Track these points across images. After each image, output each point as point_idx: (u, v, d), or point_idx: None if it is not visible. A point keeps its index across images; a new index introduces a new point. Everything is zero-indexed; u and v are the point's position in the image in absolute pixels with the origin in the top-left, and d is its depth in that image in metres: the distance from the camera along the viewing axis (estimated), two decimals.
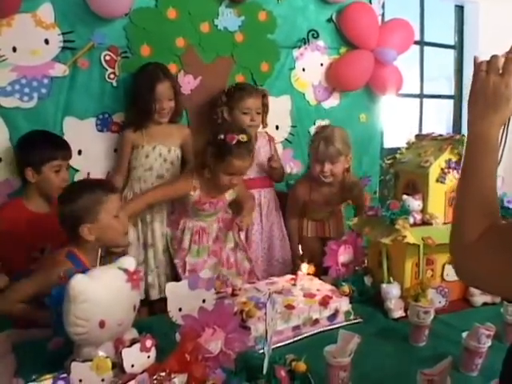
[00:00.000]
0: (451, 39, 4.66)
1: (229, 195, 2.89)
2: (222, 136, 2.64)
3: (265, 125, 3.29)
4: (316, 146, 2.89)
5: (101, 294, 1.47)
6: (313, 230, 3.24)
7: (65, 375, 1.31)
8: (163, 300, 1.73)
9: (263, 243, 3.20)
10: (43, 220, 2.52)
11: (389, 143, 4.10)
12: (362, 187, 3.13)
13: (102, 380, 1.36)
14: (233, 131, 2.66)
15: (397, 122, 4.22)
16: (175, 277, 2.84)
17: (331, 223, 3.23)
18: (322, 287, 2.13)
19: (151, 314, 2.75)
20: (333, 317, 1.99)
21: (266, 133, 3.32)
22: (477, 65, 1.27)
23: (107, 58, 2.90)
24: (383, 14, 3.82)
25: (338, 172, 2.91)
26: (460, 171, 1.24)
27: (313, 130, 3.58)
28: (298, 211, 3.17)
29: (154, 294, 2.89)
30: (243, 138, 2.65)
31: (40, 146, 2.57)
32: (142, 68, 2.89)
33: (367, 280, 2.26)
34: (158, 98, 2.83)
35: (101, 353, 1.46)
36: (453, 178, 2.19)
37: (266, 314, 1.50)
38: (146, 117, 2.87)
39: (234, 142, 2.62)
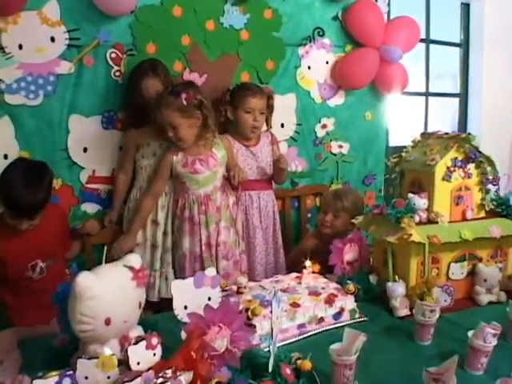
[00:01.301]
0: (457, 37, 4.65)
1: (217, 151, 2.88)
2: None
3: (269, 126, 3.28)
4: (324, 197, 2.99)
5: (106, 291, 1.47)
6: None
7: (71, 372, 1.31)
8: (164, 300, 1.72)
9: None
10: (27, 236, 2.50)
11: (394, 141, 4.09)
12: None
13: (108, 377, 1.37)
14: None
15: (402, 120, 4.21)
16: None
17: None
18: (327, 285, 2.13)
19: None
20: (338, 315, 2.00)
21: (270, 132, 3.31)
22: None
23: (113, 55, 2.90)
24: (389, 12, 3.81)
25: (338, 226, 2.87)
26: None
27: (318, 128, 3.59)
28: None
29: (153, 296, 2.88)
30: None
31: (7, 188, 2.39)
32: (136, 65, 2.88)
33: (372, 278, 2.26)
34: (146, 94, 2.81)
35: (107, 350, 1.47)
36: (458, 176, 2.19)
37: (271, 312, 1.51)
38: (141, 114, 2.87)
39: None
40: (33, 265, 2.52)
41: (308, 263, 2.23)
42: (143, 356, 1.41)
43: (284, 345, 1.78)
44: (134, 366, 1.39)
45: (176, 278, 2.79)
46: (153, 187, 2.86)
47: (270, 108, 3.22)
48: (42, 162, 2.58)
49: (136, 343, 1.42)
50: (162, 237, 2.91)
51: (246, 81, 3.28)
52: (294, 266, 2.57)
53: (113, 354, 1.41)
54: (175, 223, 2.91)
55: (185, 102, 2.70)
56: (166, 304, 1.69)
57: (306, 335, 1.90)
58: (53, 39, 2.74)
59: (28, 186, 2.40)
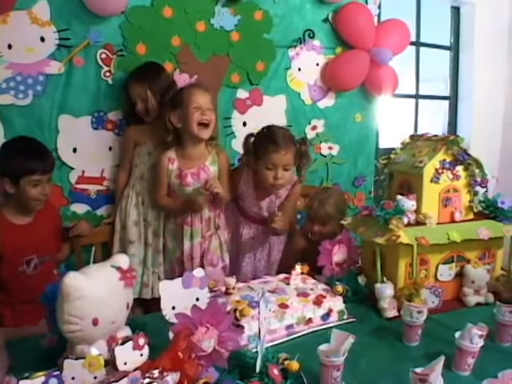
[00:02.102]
0: (447, 40, 4.66)
1: (210, 165, 2.81)
2: None
3: (302, 179, 2.91)
4: (310, 206, 2.81)
5: (94, 291, 1.47)
6: None
7: (57, 373, 1.31)
8: (157, 300, 1.72)
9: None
10: (25, 231, 2.51)
11: (384, 143, 4.10)
12: None
13: (95, 377, 1.36)
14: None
15: (392, 122, 4.22)
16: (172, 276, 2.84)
17: None
18: (315, 286, 2.13)
19: (145, 313, 2.75)
20: (326, 316, 2.00)
21: (295, 183, 2.92)
22: None
23: (103, 56, 2.90)
24: (379, 15, 3.82)
25: (327, 233, 2.69)
26: None
27: (308, 129, 3.59)
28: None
29: (147, 293, 2.89)
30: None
31: (18, 157, 2.42)
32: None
33: (361, 279, 2.27)
34: (132, 97, 2.86)
35: (93, 350, 1.46)
36: (447, 178, 2.20)
37: (259, 312, 1.51)
38: (135, 115, 2.89)
39: None
40: (28, 260, 2.51)
41: (298, 265, 2.23)
42: (130, 356, 1.41)
43: (272, 345, 1.78)
44: (120, 367, 1.38)
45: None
46: (157, 194, 2.84)
47: (302, 157, 2.81)
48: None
49: (123, 343, 1.42)
50: (153, 237, 2.91)
51: (271, 125, 2.80)
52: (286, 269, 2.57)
53: (100, 355, 1.41)
54: (166, 226, 2.90)
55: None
56: (157, 304, 1.69)
57: (294, 336, 1.90)
58: (43, 39, 2.74)
59: (36, 144, 2.55)
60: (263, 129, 2.79)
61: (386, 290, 2.09)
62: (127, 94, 2.88)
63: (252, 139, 2.81)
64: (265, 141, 2.72)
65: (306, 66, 3.57)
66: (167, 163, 2.78)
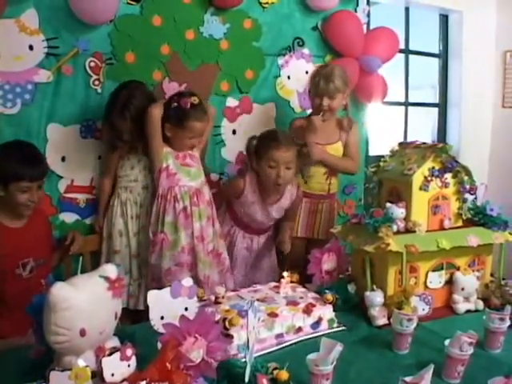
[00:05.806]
0: (436, 48, 4.69)
1: (194, 152, 2.89)
2: (176, 104, 2.69)
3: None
4: (316, 82, 3.02)
5: (82, 302, 1.45)
6: (302, 228, 3.22)
7: None
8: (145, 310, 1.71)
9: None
10: (18, 234, 2.48)
11: (374, 151, 4.11)
12: (354, 125, 3.23)
13: None
14: (184, 96, 2.72)
15: (382, 129, 4.23)
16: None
17: (323, 217, 3.24)
18: (305, 295, 2.13)
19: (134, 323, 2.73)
20: (316, 325, 1.99)
21: (298, 186, 3.08)
22: None
23: (92, 64, 2.89)
24: (368, 23, 3.84)
25: (335, 107, 3.06)
26: None
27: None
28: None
29: (134, 304, 2.88)
30: (195, 100, 2.70)
31: (9, 162, 2.39)
32: (119, 85, 2.82)
33: (351, 288, 2.26)
34: (116, 129, 2.78)
35: (80, 362, 1.45)
36: (436, 185, 2.21)
37: (247, 321, 1.50)
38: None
39: (188, 105, 2.67)
40: (24, 262, 2.49)
41: (285, 273, 2.22)
42: (117, 367, 1.39)
43: (262, 355, 1.77)
44: (108, 378, 1.36)
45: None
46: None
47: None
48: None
49: (110, 354, 1.40)
50: (137, 247, 2.89)
51: (273, 128, 3.24)
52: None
53: (87, 366, 1.39)
54: (164, 221, 2.79)
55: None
56: (146, 314, 1.68)
57: (284, 345, 1.89)
58: (31, 47, 2.73)
59: (30, 151, 2.49)
60: (265, 131, 2.98)
61: (375, 298, 2.09)
62: (110, 123, 2.79)
63: (254, 141, 2.94)
64: (266, 139, 2.87)
65: (296, 74, 3.58)
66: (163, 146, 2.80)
